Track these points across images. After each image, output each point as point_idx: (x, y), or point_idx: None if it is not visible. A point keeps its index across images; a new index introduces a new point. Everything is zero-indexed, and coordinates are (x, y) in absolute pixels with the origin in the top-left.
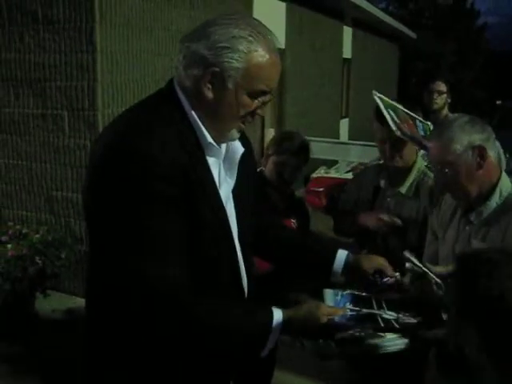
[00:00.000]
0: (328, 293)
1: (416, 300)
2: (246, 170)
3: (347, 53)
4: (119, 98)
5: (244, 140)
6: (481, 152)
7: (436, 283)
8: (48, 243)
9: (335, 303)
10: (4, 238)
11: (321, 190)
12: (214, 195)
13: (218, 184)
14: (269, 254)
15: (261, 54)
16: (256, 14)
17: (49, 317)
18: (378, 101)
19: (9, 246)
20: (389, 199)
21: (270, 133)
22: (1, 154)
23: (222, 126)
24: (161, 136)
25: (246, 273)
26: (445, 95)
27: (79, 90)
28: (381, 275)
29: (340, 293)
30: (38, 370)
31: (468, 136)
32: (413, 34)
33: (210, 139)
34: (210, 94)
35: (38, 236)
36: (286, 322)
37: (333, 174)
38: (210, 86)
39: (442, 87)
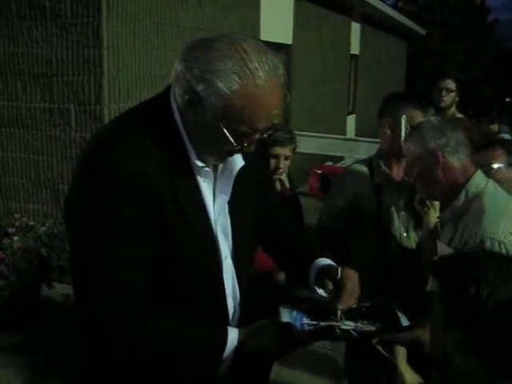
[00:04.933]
0: (283, 311)
1: (372, 309)
2: (249, 183)
3: (355, 49)
4: (125, 92)
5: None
6: (434, 156)
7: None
8: (54, 236)
9: (291, 319)
10: (11, 230)
11: (320, 172)
12: (197, 212)
13: (210, 198)
14: (270, 250)
15: (245, 95)
16: (263, 10)
17: (53, 307)
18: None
19: (15, 238)
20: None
21: None
22: (8, 148)
23: (202, 150)
24: (138, 152)
25: (240, 282)
26: (454, 93)
27: (86, 85)
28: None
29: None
30: (42, 359)
31: (425, 140)
32: (422, 31)
33: (193, 158)
34: (191, 117)
35: (43, 229)
36: (241, 340)
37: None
38: (191, 111)
39: (451, 85)
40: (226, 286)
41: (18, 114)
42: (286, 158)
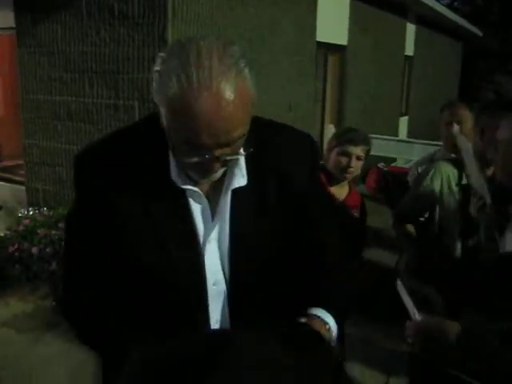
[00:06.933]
0: None
1: None
2: (258, 206)
3: (409, 50)
4: None
5: (267, 172)
6: None
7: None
8: None
9: None
10: None
11: (386, 169)
12: (176, 234)
13: (200, 220)
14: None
15: (181, 101)
16: (320, 11)
17: None
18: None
19: None
20: None
21: (330, 128)
22: (74, 141)
23: (181, 165)
24: (109, 170)
25: (237, 309)
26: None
27: (150, 83)
28: None
29: None
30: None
31: None
32: (478, 31)
33: (173, 176)
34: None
35: None
36: None
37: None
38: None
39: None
40: (212, 312)
41: (85, 109)
42: (358, 158)
